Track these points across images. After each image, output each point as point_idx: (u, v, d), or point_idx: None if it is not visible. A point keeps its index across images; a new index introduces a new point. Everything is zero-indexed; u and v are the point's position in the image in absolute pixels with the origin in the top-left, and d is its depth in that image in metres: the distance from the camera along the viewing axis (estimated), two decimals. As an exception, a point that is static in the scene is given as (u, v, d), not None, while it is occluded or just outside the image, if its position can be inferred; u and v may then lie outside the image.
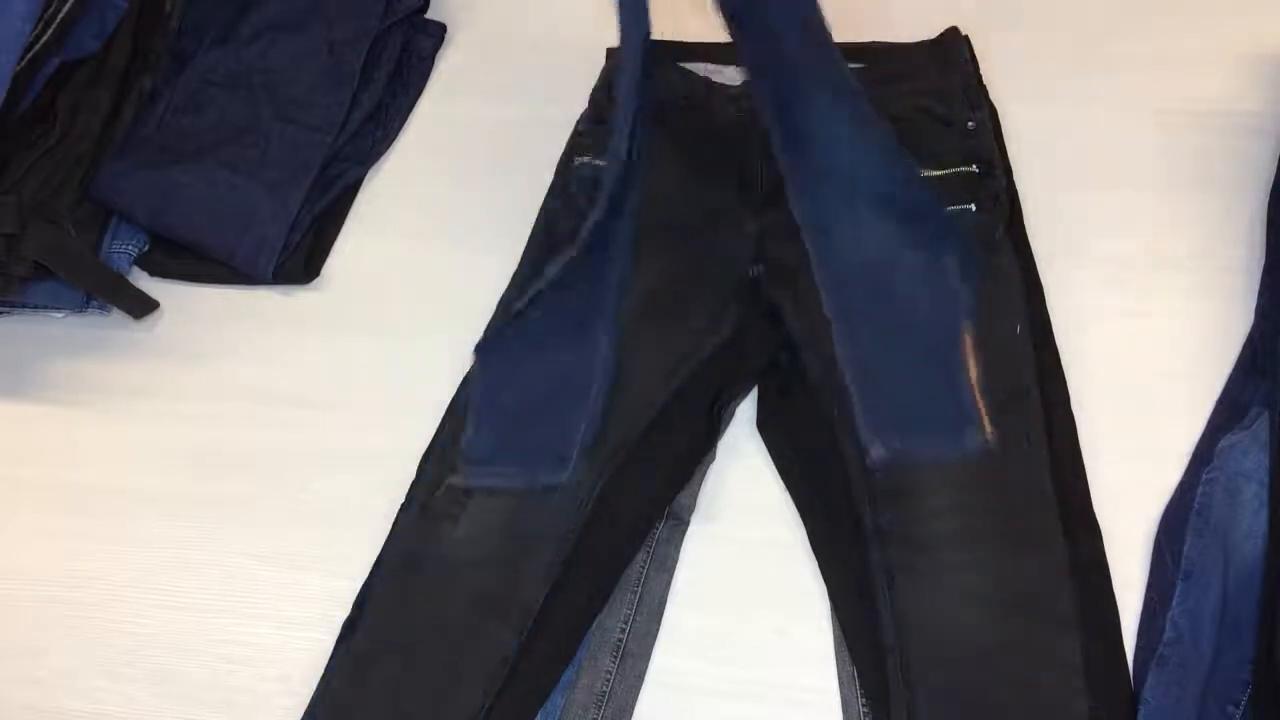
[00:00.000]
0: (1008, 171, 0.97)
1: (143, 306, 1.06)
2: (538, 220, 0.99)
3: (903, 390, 0.85)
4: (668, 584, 0.90)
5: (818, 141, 0.86)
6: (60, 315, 1.10)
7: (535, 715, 0.85)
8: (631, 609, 0.89)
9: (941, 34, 0.98)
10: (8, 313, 1.10)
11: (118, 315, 1.08)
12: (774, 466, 0.93)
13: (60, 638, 0.94)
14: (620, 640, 0.88)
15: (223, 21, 1.16)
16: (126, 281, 1.06)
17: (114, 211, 1.09)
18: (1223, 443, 0.86)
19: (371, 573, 0.89)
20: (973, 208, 0.92)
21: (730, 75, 1.00)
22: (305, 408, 1.02)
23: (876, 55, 0.98)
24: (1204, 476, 0.85)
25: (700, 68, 1.01)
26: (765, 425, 0.94)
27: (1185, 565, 0.82)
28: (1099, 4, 1.12)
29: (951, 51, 0.97)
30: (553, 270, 0.87)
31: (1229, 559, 0.82)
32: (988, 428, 0.83)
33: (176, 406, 1.04)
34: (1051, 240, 0.98)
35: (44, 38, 1.01)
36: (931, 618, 0.81)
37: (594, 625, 0.88)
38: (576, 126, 1.01)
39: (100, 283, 1.03)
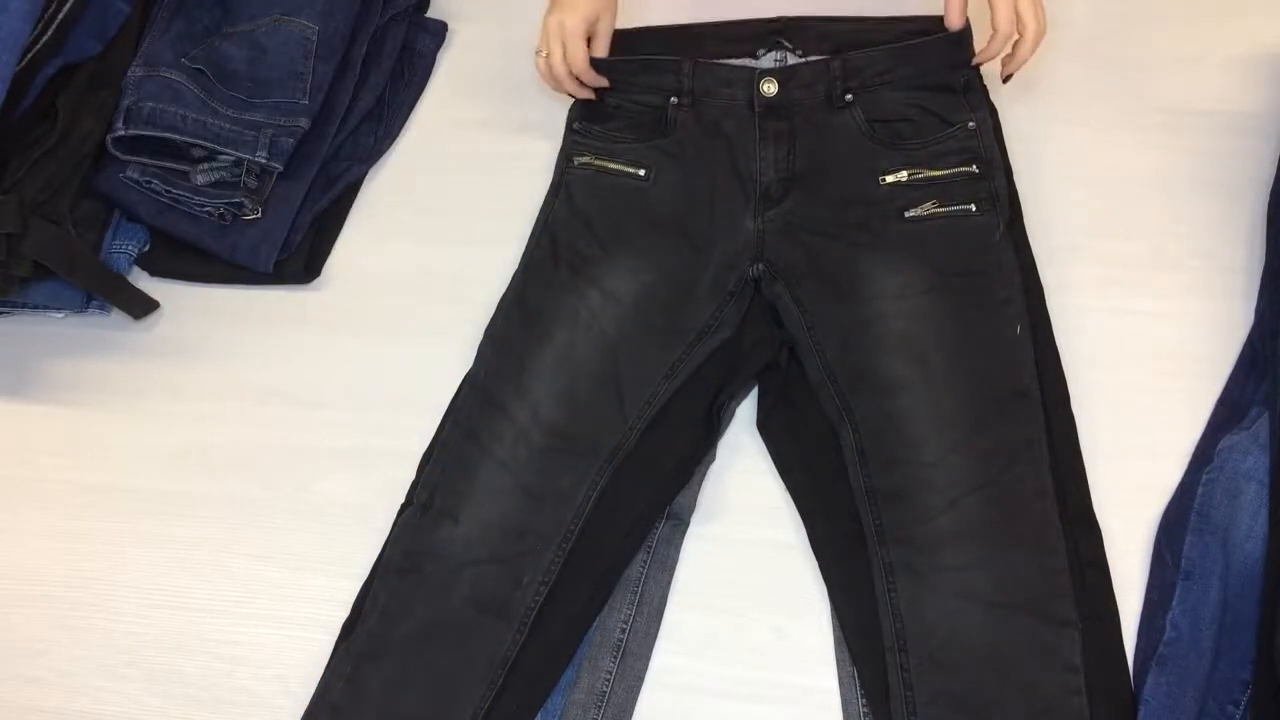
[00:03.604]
0: (1008, 171, 0.97)
1: (143, 306, 1.06)
2: (538, 220, 0.99)
3: None
4: (668, 584, 0.90)
5: None
6: (60, 315, 1.10)
7: (535, 715, 0.85)
8: (631, 609, 0.89)
9: (945, 34, 0.98)
10: (8, 313, 1.10)
11: (118, 315, 1.08)
12: (774, 466, 0.93)
13: (60, 638, 0.94)
14: (620, 640, 0.88)
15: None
16: (126, 281, 1.06)
17: (116, 208, 1.09)
18: (1223, 443, 0.86)
19: (371, 573, 0.90)
20: (973, 208, 0.92)
21: (729, 72, 1.00)
22: (305, 408, 1.02)
23: (881, 35, 0.97)
24: (1204, 476, 0.85)
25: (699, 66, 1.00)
26: (765, 425, 0.94)
27: (1185, 565, 0.82)
28: (1099, 5, 1.12)
29: (953, 52, 0.96)
30: None
31: (1229, 559, 0.82)
32: None
33: (176, 406, 1.04)
34: (1051, 240, 0.98)
35: (44, 38, 1.01)
36: (931, 618, 0.81)
37: (594, 625, 0.88)
38: (570, 124, 1.01)
39: (100, 283, 1.03)
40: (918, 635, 0.81)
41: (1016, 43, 0.90)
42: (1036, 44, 0.90)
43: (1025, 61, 0.91)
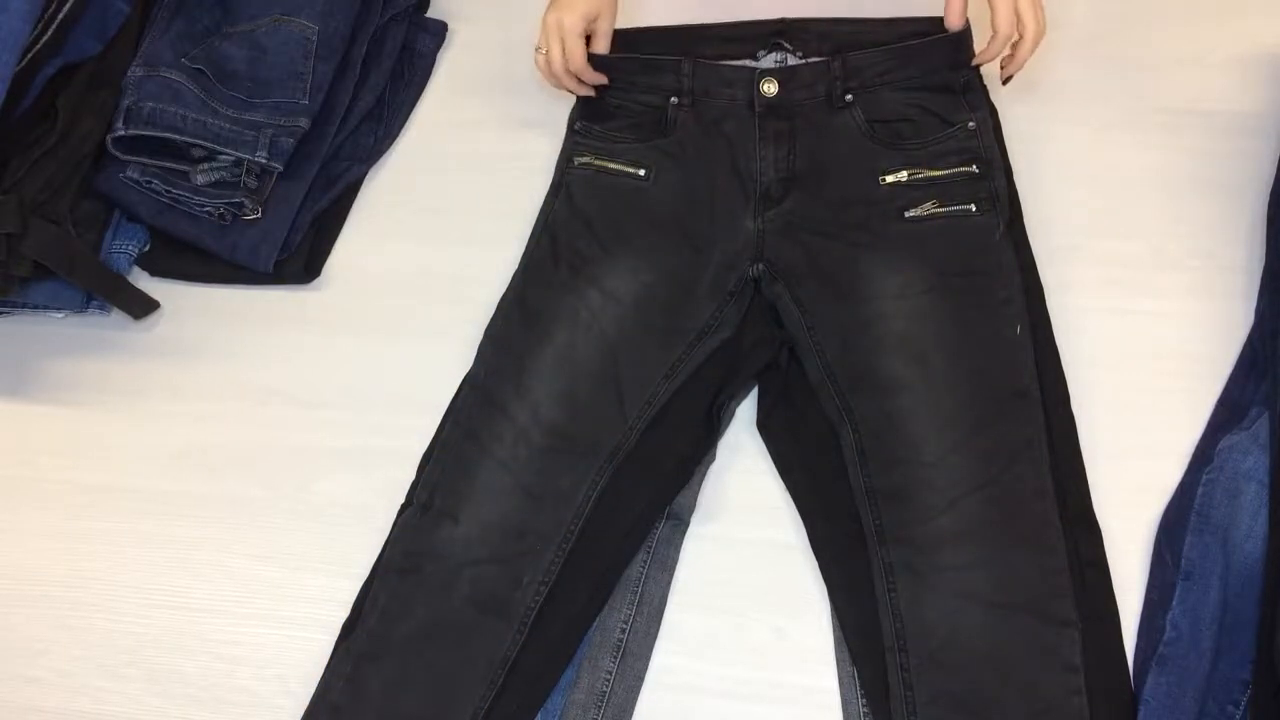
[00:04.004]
0: (1008, 171, 0.97)
1: (143, 306, 1.06)
2: (538, 220, 0.99)
3: None
4: (668, 584, 0.90)
5: None
6: (60, 315, 1.10)
7: (535, 715, 0.85)
8: (631, 609, 0.89)
9: (945, 34, 0.98)
10: (8, 313, 1.10)
11: (118, 315, 1.08)
12: (774, 466, 0.93)
13: (60, 638, 0.94)
14: (620, 640, 0.88)
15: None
16: (126, 281, 1.06)
17: (116, 208, 1.09)
18: (1223, 443, 0.86)
19: (371, 573, 0.90)
20: (973, 208, 0.92)
21: (730, 72, 1.00)
22: (305, 408, 1.02)
23: (882, 35, 0.97)
24: (1204, 477, 0.85)
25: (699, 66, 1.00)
26: (765, 425, 0.94)
27: (1185, 565, 0.82)
28: (1099, 4, 1.12)
29: (953, 53, 0.96)
30: None
31: (1229, 559, 0.82)
32: None
33: (176, 406, 1.04)
34: (1051, 240, 0.98)
35: (44, 38, 1.01)
36: (931, 618, 0.81)
37: (594, 625, 0.88)
38: (571, 124, 1.01)
39: (100, 283, 1.03)
40: (918, 635, 0.81)
41: (1016, 44, 0.91)
42: (1036, 45, 0.90)
43: (1024, 63, 0.91)
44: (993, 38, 0.90)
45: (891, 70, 0.94)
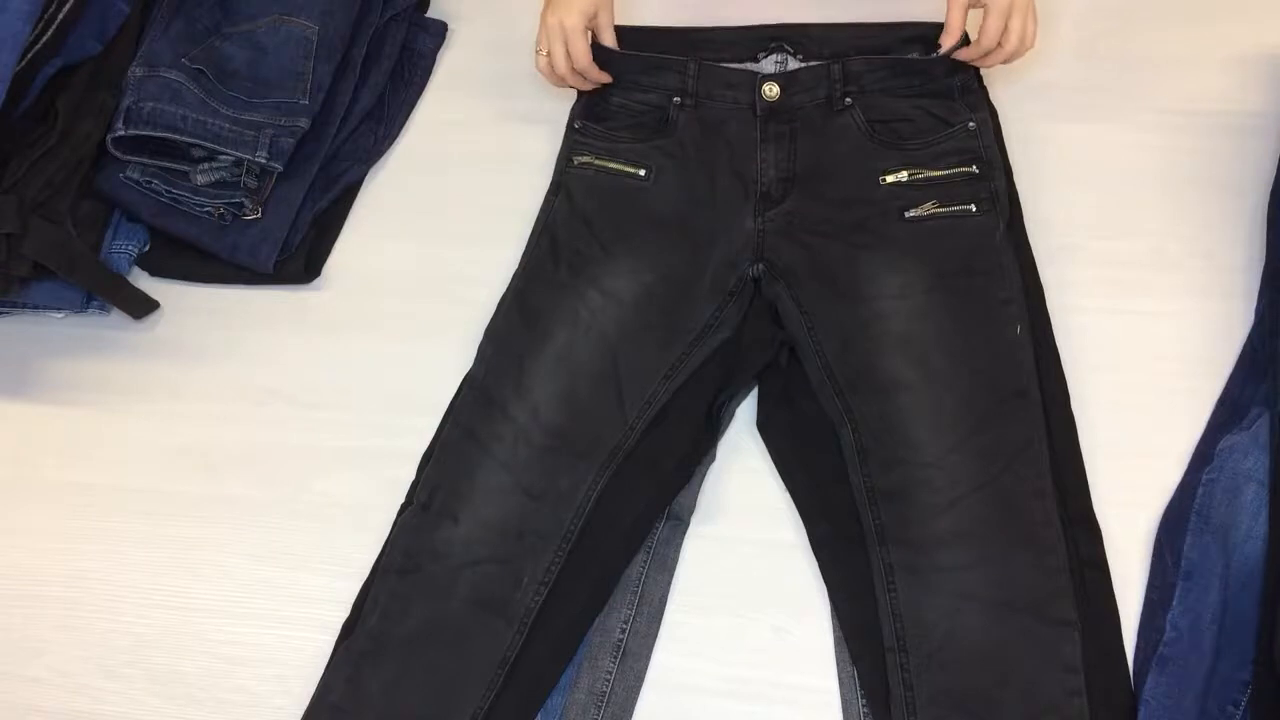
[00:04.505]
0: (1008, 171, 0.97)
1: (143, 306, 1.06)
2: (538, 220, 0.99)
3: None
4: (668, 584, 0.90)
5: None
6: (60, 315, 1.10)
7: (535, 715, 0.85)
8: (631, 609, 0.89)
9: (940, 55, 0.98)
10: (8, 313, 1.10)
11: (118, 315, 1.08)
12: (774, 466, 0.93)
13: (60, 638, 0.94)
14: (620, 640, 0.88)
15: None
16: (126, 281, 1.06)
17: (117, 208, 1.09)
18: (1223, 443, 0.86)
19: (371, 573, 0.90)
20: (973, 208, 0.92)
21: (732, 75, 1.00)
22: (305, 408, 1.02)
23: (881, 40, 0.98)
24: (1204, 477, 0.85)
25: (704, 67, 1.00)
26: (765, 425, 0.94)
27: (1185, 565, 0.82)
28: (1099, 4, 1.12)
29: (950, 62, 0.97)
30: None
31: (1229, 559, 0.82)
32: None
33: (176, 406, 1.04)
34: (1051, 240, 0.98)
35: (44, 38, 1.01)
36: (931, 617, 0.81)
37: (594, 625, 0.88)
38: (571, 124, 1.01)
39: (100, 283, 1.03)
40: (918, 635, 0.81)
41: (991, 51, 0.92)
42: (1011, 60, 0.92)
43: (988, 66, 0.94)
44: (975, 43, 0.91)
45: (890, 79, 0.95)
